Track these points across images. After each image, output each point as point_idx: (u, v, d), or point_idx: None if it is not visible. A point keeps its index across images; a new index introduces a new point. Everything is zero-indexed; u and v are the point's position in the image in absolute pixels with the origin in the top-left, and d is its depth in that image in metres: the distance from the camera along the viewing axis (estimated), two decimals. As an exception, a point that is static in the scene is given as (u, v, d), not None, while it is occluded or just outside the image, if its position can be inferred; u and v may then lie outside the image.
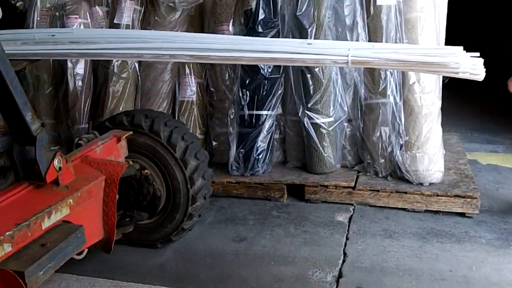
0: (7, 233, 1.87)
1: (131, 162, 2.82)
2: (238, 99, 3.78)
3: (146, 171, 2.88)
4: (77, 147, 2.62)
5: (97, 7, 4.07)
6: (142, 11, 4.05)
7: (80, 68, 4.05)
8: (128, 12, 3.97)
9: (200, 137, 4.03)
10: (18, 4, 4.13)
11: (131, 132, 2.81)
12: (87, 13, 4.07)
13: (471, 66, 2.29)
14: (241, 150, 3.78)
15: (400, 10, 3.53)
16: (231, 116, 3.81)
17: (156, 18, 3.96)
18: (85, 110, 4.11)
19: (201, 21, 4.07)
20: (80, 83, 4.06)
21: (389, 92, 3.58)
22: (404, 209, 3.54)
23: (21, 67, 3.21)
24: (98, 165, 2.46)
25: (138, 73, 4.03)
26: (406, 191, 3.52)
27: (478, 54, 2.37)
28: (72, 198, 2.21)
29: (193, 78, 3.98)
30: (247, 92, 3.74)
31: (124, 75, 3.98)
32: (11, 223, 1.93)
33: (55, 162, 2.17)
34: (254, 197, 3.82)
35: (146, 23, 4.04)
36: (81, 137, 2.75)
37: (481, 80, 2.34)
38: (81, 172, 2.38)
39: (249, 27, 3.69)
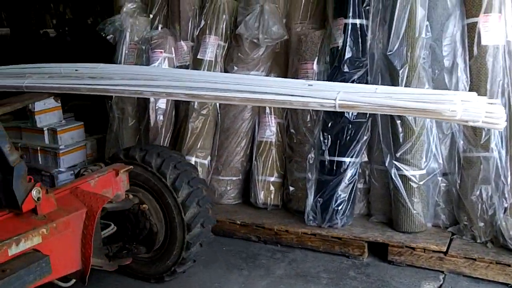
0: None
1: (130, 196, 2.88)
2: (319, 143, 3.46)
3: (144, 205, 2.90)
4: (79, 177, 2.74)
5: (182, 41, 3.99)
6: (226, 46, 3.90)
7: (162, 103, 3.97)
8: (212, 47, 3.84)
9: (277, 181, 3.76)
10: (108, 37, 4.16)
11: (131, 167, 2.84)
12: (172, 48, 3.99)
13: (483, 114, 2.02)
14: (319, 199, 3.44)
15: (510, 51, 3.05)
16: (311, 161, 3.49)
17: (239, 54, 3.79)
18: (165, 145, 4.01)
19: (286, 59, 3.84)
20: (161, 118, 3.98)
21: (492, 145, 3.09)
22: (506, 284, 2.99)
23: (41, 99, 3.47)
24: (83, 198, 2.50)
25: (218, 110, 3.87)
26: (510, 264, 2.98)
27: (497, 101, 2.18)
28: (46, 228, 2.25)
29: (273, 118, 3.75)
30: (329, 136, 3.41)
31: (204, 112, 3.84)
32: None
33: (33, 192, 2.25)
34: (331, 252, 3.45)
35: (229, 59, 3.88)
36: (86, 168, 2.86)
37: (500, 129, 2.13)
38: (65, 203, 2.44)
39: (334, 66, 3.39)
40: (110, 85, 2.76)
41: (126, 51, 4.15)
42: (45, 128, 4.51)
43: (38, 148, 4.50)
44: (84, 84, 2.82)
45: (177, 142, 4.01)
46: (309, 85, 2.54)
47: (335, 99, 2.35)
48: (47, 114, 4.55)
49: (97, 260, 2.62)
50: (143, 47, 4.06)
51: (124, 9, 4.18)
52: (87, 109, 5.17)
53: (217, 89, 2.56)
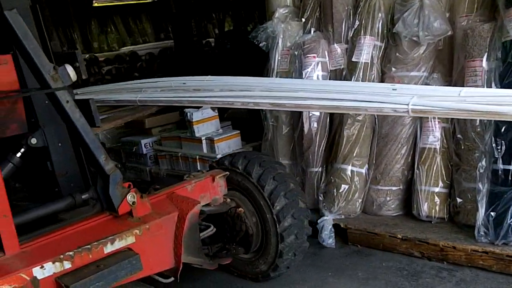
0: (67, 253, 2.23)
1: (228, 200, 3.06)
2: (491, 150, 3.06)
3: (240, 209, 3.07)
4: None
5: (335, 44, 3.81)
6: (383, 47, 3.64)
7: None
8: (368, 48, 3.61)
9: (442, 191, 3.41)
10: (261, 44, 4.13)
11: (227, 173, 3.02)
12: (325, 52, 3.83)
13: None
14: (492, 213, 3.04)
15: None
16: (481, 170, 3.11)
17: (397, 54, 3.51)
18: (319, 153, 3.87)
19: (450, 56, 3.47)
20: (315, 125, 3.84)
21: None
22: None
23: (151, 111, 3.85)
24: (177, 202, 2.71)
25: (376, 115, 3.62)
26: None
27: None
28: (139, 229, 2.46)
29: (436, 123, 3.40)
30: (503, 142, 3.00)
31: (360, 118, 3.62)
32: (76, 245, 2.28)
33: (128, 197, 2.49)
34: (506, 272, 3.03)
35: (386, 60, 3.62)
36: (190, 174, 3.10)
37: None
38: (160, 207, 2.66)
39: (508, 63, 2.98)
40: (208, 96, 3.02)
41: (279, 58, 4.08)
42: (203, 138, 4.61)
43: (197, 157, 4.62)
44: (186, 97, 3.09)
45: (332, 149, 3.84)
46: (393, 89, 2.56)
47: (407, 104, 2.37)
48: (205, 124, 4.66)
49: (196, 259, 2.78)
50: (296, 53, 3.95)
51: (276, 14, 4.12)
52: (243, 117, 5.23)
53: (297, 98, 2.71)
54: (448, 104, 2.34)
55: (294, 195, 3.06)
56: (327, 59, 3.85)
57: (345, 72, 3.76)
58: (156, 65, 12.09)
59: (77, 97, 3.92)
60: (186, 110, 4.53)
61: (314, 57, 3.81)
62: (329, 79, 3.86)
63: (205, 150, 4.65)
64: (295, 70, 3.97)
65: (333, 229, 3.61)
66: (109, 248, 2.35)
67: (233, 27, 13.94)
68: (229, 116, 5.28)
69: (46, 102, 2.56)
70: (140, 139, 5.31)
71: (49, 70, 2.38)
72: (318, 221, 3.66)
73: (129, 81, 3.99)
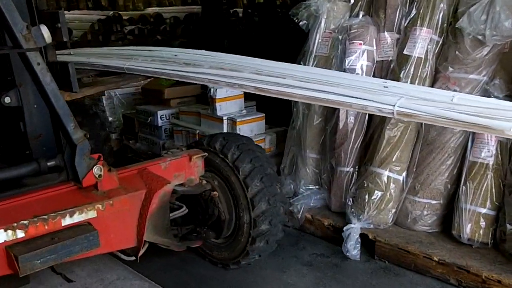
0: (21, 222, 2.18)
1: (204, 182, 2.97)
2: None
3: (215, 192, 2.99)
4: None
5: (386, 33, 3.37)
6: (441, 42, 3.20)
7: (355, 103, 3.42)
8: (423, 42, 3.17)
9: (490, 213, 3.01)
10: (301, 23, 3.70)
11: (205, 154, 2.93)
12: (373, 40, 3.40)
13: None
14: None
15: None
16: (540, 196, 2.72)
17: (457, 52, 3.06)
18: (353, 151, 3.47)
19: (517, 61, 3.05)
20: (352, 120, 3.44)
21: None
22: None
23: (135, 81, 3.83)
24: (147, 179, 2.64)
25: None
26: None
27: None
28: (102, 204, 2.40)
29: (493, 136, 2.99)
30: None
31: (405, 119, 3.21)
32: (32, 213, 2.23)
33: (95, 169, 2.43)
34: (557, 318, 2.67)
35: (443, 58, 3.17)
36: (168, 150, 3.05)
37: None
38: (128, 182, 2.59)
39: None
40: (195, 72, 2.84)
41: (320, 40, 3.66)
42: (225, 118, 4.24)
43: (215, 138, 4.25)
44: (174, 70, 2.90)
45: (367, 150, 3.44)
46: (385, 86, 2.42)
47: (394, 105, 2.23)
48: (228, 102, 4.28)
49: (163, 239, 2.73)
50: (340, 37, 3.52)
51: (321, -9, 3.68)
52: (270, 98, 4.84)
53: (283, 84, 2.57)
54: (436, 110, 2.19)
55: (271, 179, 2.96)
56: (375, 48, 3.41)
57: (393, 64, 3.33)
58: (180, 29, 11.70)
59: (68, 58, 3.75)
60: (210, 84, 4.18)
61: (360, 44, 3.39)
62: (374, 71, 3.44)
63: (225, 131, 4.27)
64: (336, 56, 3.55)
65: (359, 240, 3.24)
66: (67, 221, 2.29)
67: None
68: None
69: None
70: (156, 109, 4.95)
71: (21, 29, 2.23)
72: (344, 228, 3.29)
73: (122, 47, 3.97)
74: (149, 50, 3.48)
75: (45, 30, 2.31)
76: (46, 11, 2.57)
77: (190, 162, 2.86)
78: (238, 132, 4.17)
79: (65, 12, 10.91)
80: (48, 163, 2.46)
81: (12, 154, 2.91)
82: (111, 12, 11.90)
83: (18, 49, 2.26)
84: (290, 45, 4.04)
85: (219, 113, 4.27)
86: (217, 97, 4.21)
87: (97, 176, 2.44)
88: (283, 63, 3.02)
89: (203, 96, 4.74)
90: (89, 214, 2.36)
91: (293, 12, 3.77)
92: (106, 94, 5.78)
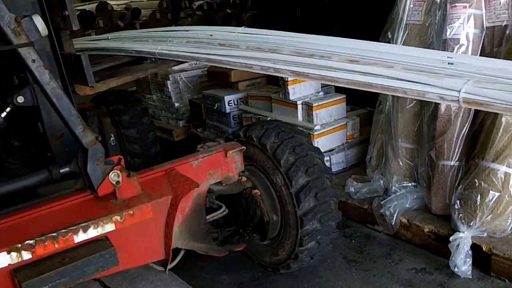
0: (27, 242, 1.93)
1: (243, 179, 2.68)
2: None
3: (256, 191, 2.68)
4: None
5: (499, -9, 2.67)
6: None
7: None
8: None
9: None
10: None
11: (243, 147, 2.59)
12: (482, 1, 2.70)
13: None
14: None
15: None
16: None
17: None
18: (458, 142, 2.81)
19: None
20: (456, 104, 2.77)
21: None
22: None
23: (168, 67, 3.23)
24: (174, 182, 2.35)
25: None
26: None
27: None
28: (120, 215, 2.13)
29: None
30: None
31: (526, 98, 2.51)
32: (41, 230, 1.98)
33: (111, 175, 2.17)
34: None
35: None
36: (204, 143, 2.69)
37: None
38: (153, 187, 2.32)
39: None
40: (228, 55, 2.48)
41: (411, 5, 2.99)
42: (299, 102, 3.69)
43: (290, 126, 3.71)
44: (204, 53, 2.59)
45: (477, 140, 2.78)
46: (449, 63, 1.94)
47: (459, 91, 1.73)
48: (302, 84, 3.71)
49: (201, 245, 2.46)
50: (438, 1, 2.84)
51: None
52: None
53: (324, 67, 2.12)
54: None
55: (318, 171, 2.58)
56: (483, 11, 2.71)
57: (509, 30, 2.63)
58: (250, 1, 11.16)
59: (104, 43, 3.56)
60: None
61: (465, 7, 2.69)
62: (484, 40, 2.74)
63: (300, 118, 3.73)
64: (434, 24, 2.87)
65: (470, 252, 2.61)
66: (80, 237, 2.04)
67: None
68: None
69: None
70: (224, 94, 4.47)
71: (8, 22, 1.95)
72: (451, 238, 2.66)
73: (160, 28, 3.49)
74: (186, 31, 3.09)
75: (38, 21, 2.00)
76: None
77: (227, 158, 2.55)
78: (315, 118, 3.61)
79: (134, -9, 10.55)
80: (62, 170, 2.21)
81: (33, 157, 2.74)
82: (178, -13, 11.52)
83: (8, 46, 1.95)
84: (373, 11, 3.38)
85: (292, 97, 3.72)
86: (289, 78, 3.66)
87: (114, 183, 2.17)
88: (332, 37, 2.47)
89: (275, 77, 4.19)
90: (106, 227, 2.10)
91: (376, -27, 3.12)
92: (171, 78, 5.40)
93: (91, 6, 10.15)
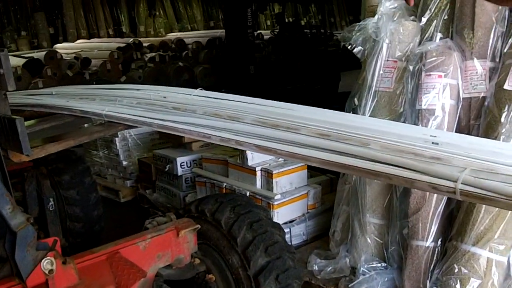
0: None
1: (196, 261, 2.41)
2: None
3: (211, 276, 2.40)
4: None
5: (475, 60, 2.51)
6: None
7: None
8: (530, 73, 2.31)
9: None
10: (356, 50, 2.87)
11: (198, 226, 2.33)
12: (458, 70, 2.54)
13: None
14: None
15: None
16: None
17: None
18: (434, 220, 2.57)
19: None
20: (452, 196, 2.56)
21: None
22: None
23: (114, 131, 2.87)
24: (117, 269, 2.08)
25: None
26: None
27: None
28: None
29: None
30: None
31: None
32: None
33: (43, 263, 1.89)
34: None
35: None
36: (152, 219, 2.39)
37: None
38: (92, 275, 2.04)
39: None
40: (183, 122, 2.23)
41: (381, 71, 2.82)
42: (257, 168, 3.42)
43: (247, 194, 3.42)
44: (157, 119, 2.36)
45: (454, 219, 2.56)
46: (433, 143, 1.65)
47: (456, 181, 1.39)
48: (262, 149, 3.45)
49: None
50: (410, 67, 2.67)
51: (381, 9, 2.84)
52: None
53: (289, 142, 1.87)
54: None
55: (279, 250, 2.32)
56: (460, 81, 2.55)
57: (487, 102, 2.47)
58: (203, 55, 11.06)
59: (48, 100, 3.20)
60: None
61: (440, 76, 2.53)
62: (460, 112, 2.57)
63: (259, 185, 3.45)
64: (407, 92, 2.70)
65: None
66: None
67: (293, 19, 12.74)
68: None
69: None
70: (176, 155, 4.17)
71: None
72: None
73: (110, 85, 3.16)
74: (137, 89, 2.83)
75: None
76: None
77: (178, 238, 2.29)
78: (275, 186, 3.34)
79: (85, 41, 10.39)
80: None
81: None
82: (131, 40, 11.31)
83: None
84: (329, 69, 3.21)
85: (250, 163, 3.45)
86: (247, 143, 3.40)
87: (47, 272, 1.89)
88: (298, 106, 2.24)
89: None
90: None
91: (344, 37, 2.94)
92: (119, 135, 5.07)
93: (39, 54, 9.77)
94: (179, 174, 4.14)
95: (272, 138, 1.92)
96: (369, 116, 2.78)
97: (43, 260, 1.89)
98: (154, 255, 2.23)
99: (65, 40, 11.52)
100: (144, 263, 2.15)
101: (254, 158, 3.46)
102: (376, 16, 2.86)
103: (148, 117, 2.39)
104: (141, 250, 2.19)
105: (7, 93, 2.28)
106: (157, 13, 13.19)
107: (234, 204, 2.43)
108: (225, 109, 2.27)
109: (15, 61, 9.15)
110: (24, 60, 9.36)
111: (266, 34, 12.89)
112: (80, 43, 11.45)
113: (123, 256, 2.12)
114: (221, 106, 2.33)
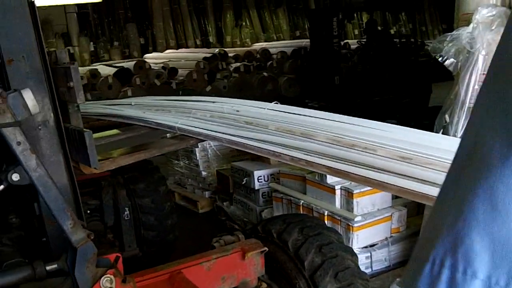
0: None
1: (264, 285, 2.30)
2: None
3: None
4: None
5: None
6: None
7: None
8: None
9: None
10: (447, 62, 2.63)
11: (265, 249, 2.22)
12: None
13: None
14: None
15: None
16: None
17: None
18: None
19: None
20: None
21: None
22: None
23: (187, 144, 2.80)
24: None
25: None
26: None
27: None
28: None
29: None
30: None
31: None
32: None
33: (103, 281, 1.86)
34: None
35: None
36: (220, 237, 2.33)
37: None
38: None
39: None
40: (252, 139, 2.13)
41: (476, 86, 2.56)
42: (337, 186, 3.23)
43: (325, 213, 3.25)
44: (227, 134, 2.29)
45: None
46: None
47: None
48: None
49: None
50: (510, 83, 2.41)
51: (477, 17, 2.59)
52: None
53: (365, 165, 1.70)
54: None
55: (350, 276, 2.18)
56: None
57: None
58: (287, 65, 10.98)
59: (127, 110, 3.29)
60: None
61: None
62: None
63: (338, 205, 3.27)
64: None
65: None
66: None
67: (382, 28, 12.38)
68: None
69: (39, 128, 2.00)
70: (253, 168, 4.07)
71: None
72: None
73: (187, 97, 3.21)
74: (212, 102, 2.81)
75: (29, 97, 1.68)
76: (61, 65, 1.83)
77: (245, 260, 2.23)
78: (355, 206, 3.14)
79: (173, 51, 10.63)
80: (48, 267, 1.92)
81: (30, 238, 2.44)
82: (217, 50, 11.45)
83: None
84: (414, 80, 2.98)
85: (329, 180, 3.27)
86: (327, 159, 3.22)
87: None
88: (378, 123, 2.05)
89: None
90: None
91: (434, 47, 2.71)
92: (199, 146, 5.06)
93: (129, 64, 10.12)
94: (256, 188, 4.03)
95: (346, 160, 1.76)
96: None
97: (102, 278, 1.88)
98: (218, 277, 2.19)
99: (155, 50, 11.87)
100: (207, 285, 2.11)
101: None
102: (471, 25, 2.61)
103: (219, 132, 2.31)
104: (205, 271, 2.16)
105: (90, 103, 2.31)
106: (244, 24, 13.29)
107: (302, 225, 2.32)
108: (299, 125, 2.14)
109: (107, 71, 9.50)
110: (115, 70, 9.70)
111: (353, 43, 12.63)
112: (168, 53, 11.75)
113: (186, 277, 2.06)
114: (295, 121, 2.21)
